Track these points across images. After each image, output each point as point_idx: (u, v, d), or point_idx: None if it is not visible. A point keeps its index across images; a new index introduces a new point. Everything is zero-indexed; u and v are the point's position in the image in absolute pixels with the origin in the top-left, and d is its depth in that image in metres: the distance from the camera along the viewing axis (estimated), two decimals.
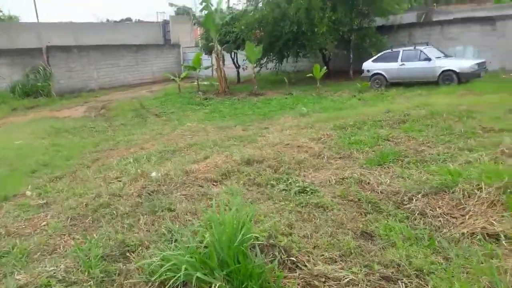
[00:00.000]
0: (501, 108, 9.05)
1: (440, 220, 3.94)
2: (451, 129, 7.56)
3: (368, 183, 5.10)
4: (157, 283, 3.03)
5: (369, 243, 3.68)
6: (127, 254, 3.66)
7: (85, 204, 5.12)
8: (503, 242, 3.43)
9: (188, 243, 3.23)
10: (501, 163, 5.23)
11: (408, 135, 7.48)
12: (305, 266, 3.19)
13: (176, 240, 3.58)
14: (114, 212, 4.69)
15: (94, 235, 4.09)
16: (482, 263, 3.10)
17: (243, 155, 6.68)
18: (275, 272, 2.93)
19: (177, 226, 4.06)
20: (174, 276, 2.86)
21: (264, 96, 16.87)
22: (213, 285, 2.75)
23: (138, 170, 6.39)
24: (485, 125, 7.68)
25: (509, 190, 4.12)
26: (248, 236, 3.11)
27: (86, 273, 3.32)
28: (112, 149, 9.66)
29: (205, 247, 3.23)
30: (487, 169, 4.88)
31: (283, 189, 5.18)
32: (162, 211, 4.61)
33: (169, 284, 2.89)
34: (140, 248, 3.70)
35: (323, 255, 3.40)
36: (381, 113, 9.86)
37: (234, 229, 3.09)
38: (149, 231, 4.09)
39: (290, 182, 5.40)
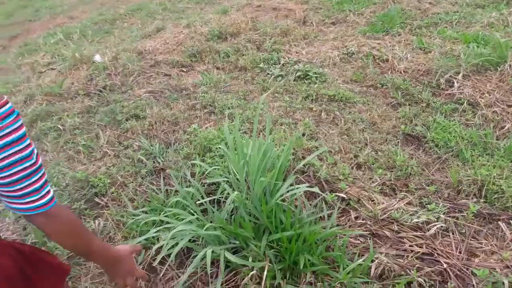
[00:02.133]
0: None
1: (496, 112, 3.12)
2: None
3: (385, 59, 4.06)
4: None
5: (422, 153, 2.82)
6: (92, 210, 2.57)
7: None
8: None
9: (187, 195, 2.18)
10: None
11: None
12: (359, 202, 2.32)
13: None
14: (59, 126, 3.39)
15: None
16: None
17: (211, 27, 5.22)
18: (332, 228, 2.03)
19: (157, 145, 2.93)
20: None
21: None
22: (253, 270, 1.82)
23: (76, 54, 4.80)
24: None
25: None
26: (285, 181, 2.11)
27: None
28: (32, 20, 7.55)
29: (216, 202, 2.22)
30: None
31: (279, 75, 4.03)
32: (127, 119, 3.38)
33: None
34: (114, 190, 2.60)
35: (373, 179, 2.52)
36: None
37: (262, 164, 2.04)
38: (119, 156, 2.93)
39: (283, 64, 4.23)
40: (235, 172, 2.15)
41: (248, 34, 4.97)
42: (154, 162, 2.82)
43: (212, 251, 1.79)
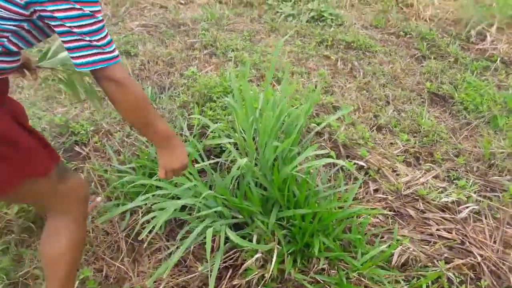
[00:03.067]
0: None
1: None
2: None
3: (409, 3, 3.59)
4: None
5: (448, 116, 2.50)
6: (71, 162, 2.24)
7: None
8: None
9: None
10: None
11: None
12: (379, 172, 2.03)
13: None
14: None
15: None
16: None
17: None
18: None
19: (149, 89, 2.56)
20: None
21: None
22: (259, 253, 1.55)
23: None
24: None
25: None
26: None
27: None
28: None
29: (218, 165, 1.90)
30: None
31: (289, 14, 3.57)
32: (121, 53, 2.95)
33: None
34: (98, 139, 2.27)
35: (396, 145, 2.22)
36: None
37: (276, 125, 1.72)
38: (104, 99, 2.56)
39: (295, 2, 3.75)
40: (242, 131, 1.82)
41: None
42: None
43: (211, 226, 1.51)
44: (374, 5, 3.69)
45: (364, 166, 2.03)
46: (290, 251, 1.57)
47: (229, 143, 1.82)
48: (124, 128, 2.32)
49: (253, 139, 1.77)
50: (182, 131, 2.16)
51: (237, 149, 1.87)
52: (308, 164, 1.64)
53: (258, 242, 1.58)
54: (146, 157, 2.00)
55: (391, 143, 2.24)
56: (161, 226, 1.69)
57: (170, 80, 2.68)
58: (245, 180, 1.68)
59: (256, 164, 1.73)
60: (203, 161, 1.84)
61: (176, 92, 2.56)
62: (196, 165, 1.75)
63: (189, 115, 2.35)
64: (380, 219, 1.83)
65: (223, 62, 2.84)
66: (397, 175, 2.01)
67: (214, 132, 2.04)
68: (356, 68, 2.86)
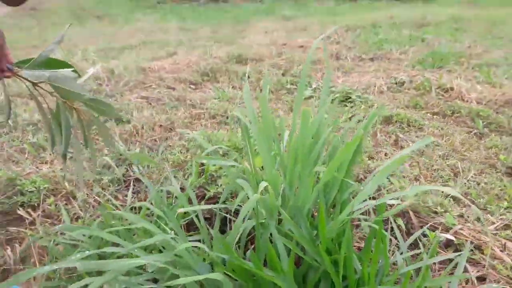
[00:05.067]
0: None
1: None
2: (491, 34, 5.72)
3: (449, 88, 3.16)
4: None
5: None
6: (6, 228, 1.55)
7: None
8: None
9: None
10: None
11: (442, 37, 5.53)
12: (480, 250, 1.26)
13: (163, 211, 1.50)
14: (9, 122, 2.45)
15: None
16: None
17: (230, 51, 4.48)
18: None
19: (137, 151, 1.96)
20: None
21: (231, 2, 14.11)
22: None
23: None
24: None
25: None
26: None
27: None
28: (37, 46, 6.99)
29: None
30: None
31: (310, 96, 3.15)
32: (105, 122, 2.43)
33: None
34: (53, 201, 1.58)
35: (489, 219, 1.48)
36: (388, 18, 7.80)
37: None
38: (76, 160, 1.94)
39: (315, 88, 3.37)
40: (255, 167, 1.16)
41: (272, 60, 4.19)
42: (127, 170, 1.82)
43: None
44: (407, 91, 3.27)
45: (453, 240, 1.28)
46: None
47: (233, 166, 1.14)
48: (92, 189, 1.65)
49: (278, 171, 1.09)
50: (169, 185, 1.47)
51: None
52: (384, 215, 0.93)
53: None
54: (110, 213, 1.29)
55: (478, 217, 1.51)
56: None
57: (167, 144, 2.09)
58: (263, 237, 0.95)
59: (284, 207, 1.02)
60: (198, 221, 1.13)
61: (172, 153, 1.95)
62: (180, 210, 1.03)
63: (185, 177, 1.70)
64: None
65: (234, 129, 2.28)
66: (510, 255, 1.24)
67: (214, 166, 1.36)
68: (402, 139, 2.26)
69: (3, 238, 1.42)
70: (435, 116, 2.72)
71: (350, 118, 2.60)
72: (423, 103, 2.91)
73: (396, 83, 3.45)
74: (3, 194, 1.61)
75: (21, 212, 1.53)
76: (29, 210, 1.55)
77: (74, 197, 1.62)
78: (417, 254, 1.19)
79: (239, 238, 1.10)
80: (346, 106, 2.93)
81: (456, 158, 2.06)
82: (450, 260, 1.20)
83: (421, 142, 1.15)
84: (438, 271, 1.19)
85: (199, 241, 1.11)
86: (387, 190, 1.57)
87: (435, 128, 2.44)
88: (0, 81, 0.89)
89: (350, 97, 3.04)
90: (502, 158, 2.06)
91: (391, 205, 1.38)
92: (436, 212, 1.43)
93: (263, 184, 0.90)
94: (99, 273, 0.94)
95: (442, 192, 1.62)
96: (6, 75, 0.88)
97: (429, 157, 2.03)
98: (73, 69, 0.99)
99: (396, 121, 2.52)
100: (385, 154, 2.05)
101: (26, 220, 1.51)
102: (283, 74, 3.89)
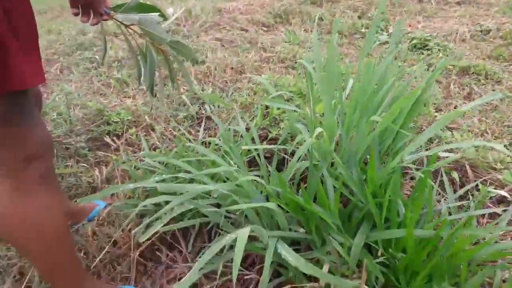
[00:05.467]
0: None
1: None
2: None
3: None
4: None
5: None
6: (95, 152, 1.79)
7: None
8: None
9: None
10: None
11: None
12: None
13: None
14: (97, 57, 2.71)
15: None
16: None
17: None
18: None
19: (210, 91, 2.10)
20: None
21: None
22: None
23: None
24: None
25: None
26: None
27: None
28: None
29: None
30: None
31: (385, 41, 3.05)
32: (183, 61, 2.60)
33: None
34: (134, 131, 1.80)
35: None
36: None
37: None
38: (156, 95, 2.15)
39: (391, 33, 3.24)
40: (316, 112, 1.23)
41: (349, 1, 4.03)
42: (200, 108, 1.99)
43: (252, 237, 0.89)
44: (492, 40, 3.03)
45: (507, 197, 1.29)
46: None
47: (295, 111, 1.23)
48: (169, 124, 1.85)
49: (337, 120, 1.17)
50: (238, 126, 1.61)
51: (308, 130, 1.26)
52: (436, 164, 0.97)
53: (331, 274, 0.91)
54: (184, 146, 1.46)
55: None
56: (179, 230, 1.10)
57: (236, 86, 2.21)
58: (314, 176, 1.05)
59: (336, 152, 1.11)
60: (259, 158, 1.26)
61: (240, 95, 2.07)
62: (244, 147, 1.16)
63: (251, 118, 1.82)
64: None
65: (300, 74, 2.33)
66: None
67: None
68: (476, 92, 2.17)
69: (92, 160, 1.67)
70: None
71: (428, 68, 2.52)
72: (508, 54, 2.71)
73: (481, 31, 3.20)
74: (93, 123, 1.85)
75: (107, 139, 1.77)
76: (114, 138, 1.79)
77: (153, 129, 1.83)
78: (466, 207, 1.23)
79: (294, 176, 1.22)
80: (423, 54, 2.82)
81: None
82: (500, 216, 1.22)
83: (490, 97, 1.14)
84: (486, 225, 1.22)
85: (258, 176, 1.24)
86: (446, 143, 1.57)
87: None
88: (99, 23, 1.02)
89: (427, 45, 2.90)
90: None
91: (446, 157, 1.40)
92: (495, 169, 1.42)
93: (318, 130, 0.98)
94: (171, 195, 1.11)
95: (508, 148, 1.59)
96: (104, 18, 1.02)
97: (502, 112, 1.94)
98: (159, 13, 1.09)
99: (473, 73, 2.39)
100: (455, 107, 2.00)
101: (112, 147, 1.75)
102: (359, 17, 3.76)
